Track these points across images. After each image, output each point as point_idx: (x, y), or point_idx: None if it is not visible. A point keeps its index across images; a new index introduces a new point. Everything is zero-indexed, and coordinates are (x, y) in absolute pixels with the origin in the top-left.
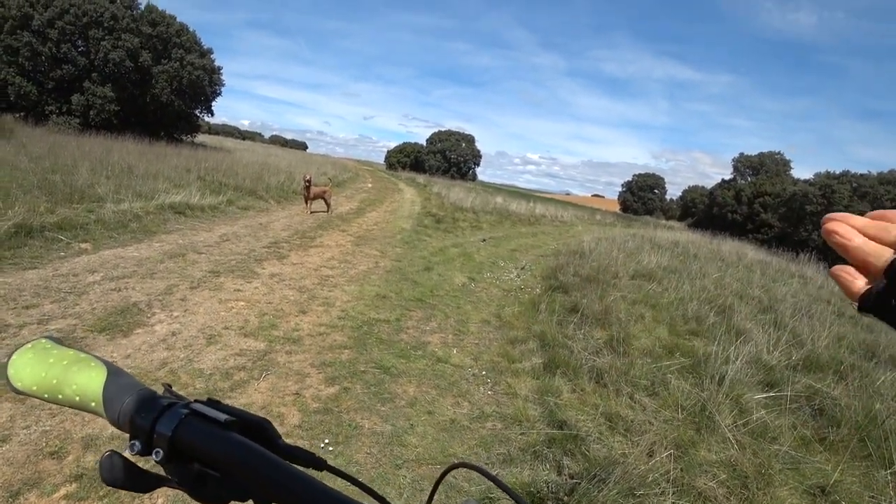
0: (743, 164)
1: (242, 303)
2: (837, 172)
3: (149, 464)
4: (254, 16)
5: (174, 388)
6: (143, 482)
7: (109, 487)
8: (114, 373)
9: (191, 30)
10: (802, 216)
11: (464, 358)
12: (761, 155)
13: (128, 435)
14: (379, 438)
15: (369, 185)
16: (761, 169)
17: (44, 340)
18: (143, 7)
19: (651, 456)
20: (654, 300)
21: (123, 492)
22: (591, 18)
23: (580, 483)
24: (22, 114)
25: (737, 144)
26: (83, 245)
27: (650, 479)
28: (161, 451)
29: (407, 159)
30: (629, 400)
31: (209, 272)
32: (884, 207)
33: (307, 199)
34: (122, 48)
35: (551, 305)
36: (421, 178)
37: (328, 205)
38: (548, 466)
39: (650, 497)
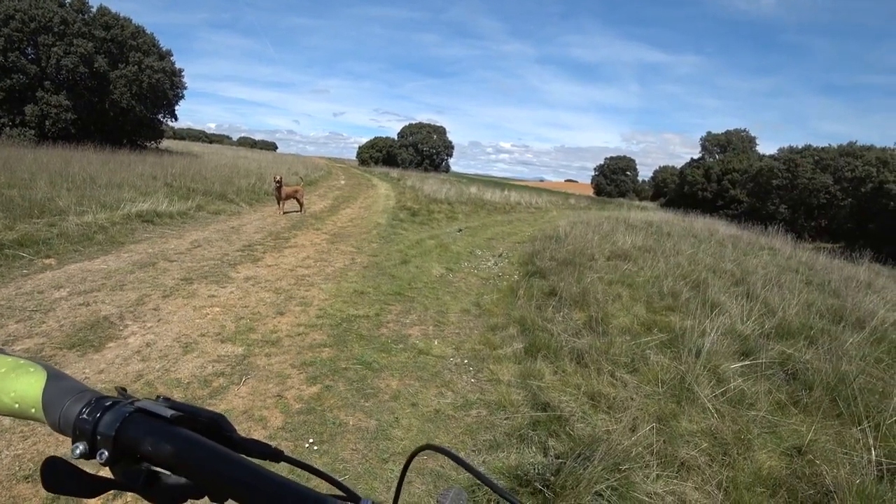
0: (711, 143)
1: (218, 308)
2: (800, 147)
3: (95, 468)
4: (214, 15)
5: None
6: (88, 486)
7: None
8: (54, 376)
9: (148, 32)
10: (769, 190)
11: (445, 348)
12: (728, 133)
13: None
14: (364, 434)
15: (342, 182)
16: (728, 146)
17: None
18: (94, 10)
19: (634, 431)
20: (630, 279)
21: None
22: (558, 5)
23: (566, 462)
24: None
25: (705, 124)
26: (47, 260)
27: (634, 453)
28: (105, 453)
29: (379, 154)
30: (610, 378)
31: (182, 280)
32: (844, 178)
33: (279, 199)
34: (75, 54)
35: (529, 291)
36: (394, 173)
37: (301, 204)
38: (534, 449)
39: (635, 470)
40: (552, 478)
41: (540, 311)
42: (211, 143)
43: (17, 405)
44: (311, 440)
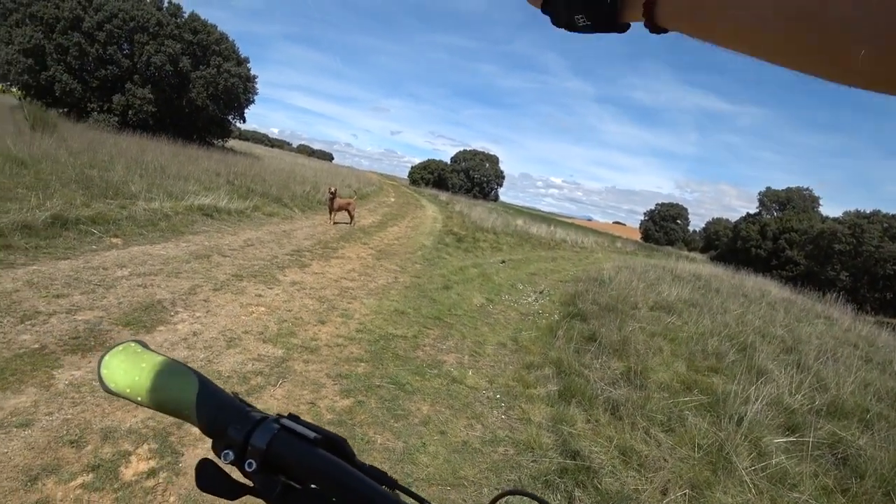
0: (769, 199)
1: (263, 308)
2: (868, 211)
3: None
4: (292, 29)
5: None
6: (232, 490)
7: (204, 492)
8: (204, 383)
9: (230, 39)
10: (830, 255)
11: (479, 380)
12: (789, 190)
13: (209, 441)
14: (391, 455)
15: (392, 200)
16: (788, 204)
17: (133, 344)
18: (186, 15)
19: (665, 494)
20: (673, 333)
21: (137, 487)
22: (623, 46)
23: None
24: (65, 109)
25: (764, 178)
26: (114, 240)
27: None
28: (254, 463)
29: (430, 176)
30: (644, 434)
31: (232, 275)
32: None
33: (331, 210)
34: (165, 53)
35: (569, 332)
36: (443, 196)
37: (351, 217)
38: (559, 497)
39: None
40: None
41: (578, 356)
42: (272, 147)
43: (171, 405)
44: None
